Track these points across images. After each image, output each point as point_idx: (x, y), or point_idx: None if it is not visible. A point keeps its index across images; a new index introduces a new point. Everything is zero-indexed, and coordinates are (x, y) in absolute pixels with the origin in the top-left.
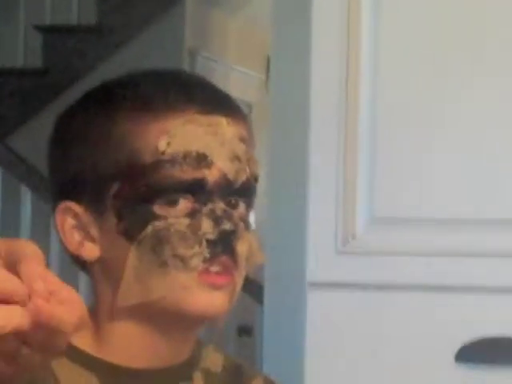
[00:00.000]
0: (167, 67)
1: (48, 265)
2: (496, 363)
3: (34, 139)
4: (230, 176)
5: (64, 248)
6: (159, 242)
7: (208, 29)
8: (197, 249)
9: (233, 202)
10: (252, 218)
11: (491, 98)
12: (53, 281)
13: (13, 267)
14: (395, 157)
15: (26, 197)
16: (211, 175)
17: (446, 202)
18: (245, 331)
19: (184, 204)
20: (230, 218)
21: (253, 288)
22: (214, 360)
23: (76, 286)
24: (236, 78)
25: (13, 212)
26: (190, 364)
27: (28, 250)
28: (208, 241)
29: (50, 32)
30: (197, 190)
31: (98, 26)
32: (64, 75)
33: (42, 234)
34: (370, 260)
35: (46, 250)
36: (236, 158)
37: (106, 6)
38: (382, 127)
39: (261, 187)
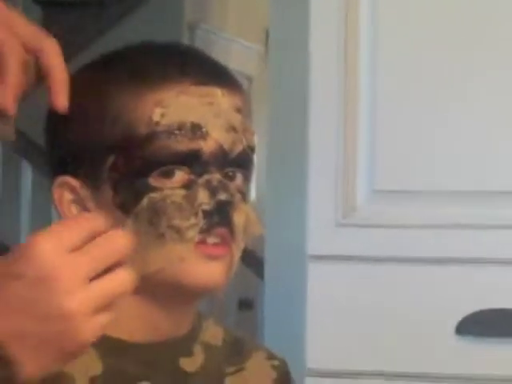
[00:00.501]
0: (165, 40)
1: None
2: (496, 335)
3: (33, 114)
4: (226, 146)
5: None
6: (155, 213)
7: (207, 2)
8: (193, 220)
9: (230, 173)
10: (252, 190)
11: (496, 66)
12: None
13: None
14: (395, 129)
15: (27, 171)
16: (207, 146)
17: (447, 174)
18: (245, 304)
19: (180, 175)
20: (226, 188)
21: (253, 261)
22: (213, 333)
23: None
24: (236, 51)
25: (13, 186)
26: (190, 337)
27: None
28: (204, 212)
29: (49, 6)
30: (192, 161)
31: (97, 0)
32: (63, 49)
33: (42, 208)
34: (370, 232)
35: (46, 224)
36: (232, 128)
37: None
38: (382, 99)
39: (260, 160)
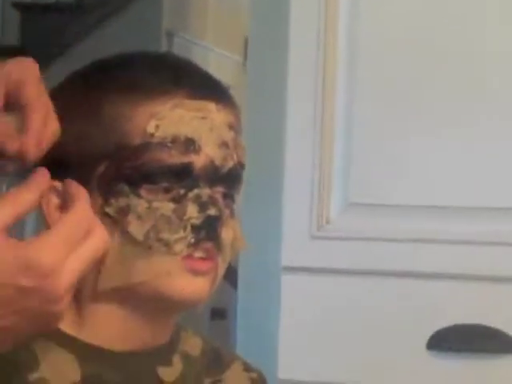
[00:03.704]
0: (150, 49)
1: None
2: (466, 350)
3: None
4: (217, 162)
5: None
6: (144, 225)
7: (186, 10)
8: (181, 233)
9: (219, 188)
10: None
11: (474, 83)
12: None
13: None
14: (370, 143)
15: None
16: (199, 161)
17: (420, 189)
18: (218, 314)
19: (170, 188)
20: (215, 204)
21: (227, 271)
22: (192, 343)
23: None
24: (214, 60)
25: None
26: (169, 347)
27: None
28: (193, 226)
29: (28, 9)
30: (183, 174)
31: (76, 4)
32: (41, 53)
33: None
34: (343, 245)
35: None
36: (224, 144)
37: None
38: (357, 113)
39: None
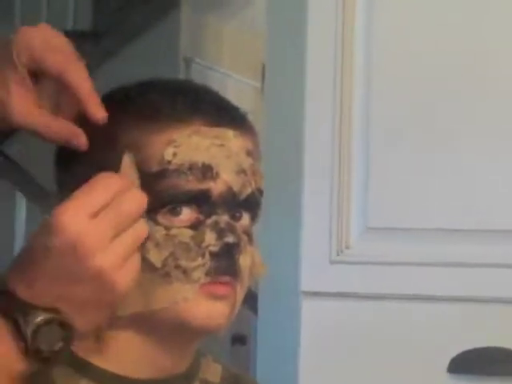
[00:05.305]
0: (168, 75)
1: None
2: (487, 374)
3: (29, 146)
4: (235, 189)
5: None
6: (162, 252)
7: (203, 36)
8: (199, 261)
9: (237, 214)
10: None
11: (490, 106)
12: None
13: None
14: (389, 167)
15: (21, 204)
16: (216, 187)
17: (439, 212)
18: (238, 340)
19: (188, 215)
20: (233, 230)
21: (247, 297)
22: (212, 371)
23: None
24: (231, 86)
25: (7, 219)
26: (189, 375)
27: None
28: (211, 253)
29: None
30: (201, 201)
31: (93, 32)
32: None
33: None
34: (363, 270)
35: None
36: (242, 171)
37: (102, 11)
38: (375, 138)
39: None
